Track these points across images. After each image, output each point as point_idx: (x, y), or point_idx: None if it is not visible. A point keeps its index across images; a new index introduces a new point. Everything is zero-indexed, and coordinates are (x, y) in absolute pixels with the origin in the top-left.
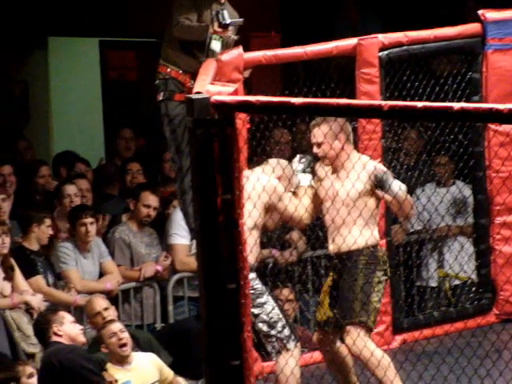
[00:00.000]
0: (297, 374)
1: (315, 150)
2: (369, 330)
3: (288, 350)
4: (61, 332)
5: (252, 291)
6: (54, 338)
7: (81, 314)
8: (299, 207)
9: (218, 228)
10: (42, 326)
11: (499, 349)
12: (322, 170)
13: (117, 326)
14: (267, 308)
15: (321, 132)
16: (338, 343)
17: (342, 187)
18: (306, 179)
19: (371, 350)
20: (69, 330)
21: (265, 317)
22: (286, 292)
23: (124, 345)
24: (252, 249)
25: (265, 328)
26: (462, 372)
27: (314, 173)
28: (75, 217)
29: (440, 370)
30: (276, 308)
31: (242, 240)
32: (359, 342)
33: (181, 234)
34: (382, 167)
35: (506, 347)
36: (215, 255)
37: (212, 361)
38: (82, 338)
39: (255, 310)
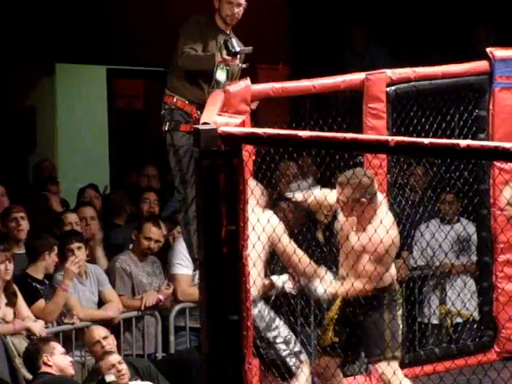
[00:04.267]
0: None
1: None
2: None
3: (301, 361)
4: (50, 362)
5: (267, 319)
6: (44, 369)
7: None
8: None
9: (222, 259)
10: (32, 355)
11: None
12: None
13: (115, 358)
14: (282, 330)
15: (344, 194)
16: (340, 374)
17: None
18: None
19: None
20: (58, 361)
21: (282, 337)
22: None
23: (122, 376)
24: (255, 280)
25: (284, 346)
26: None
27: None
28: (63, 242)
29: None
30: (287, 328)
31: (245, 272)
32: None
33: (183, 264)
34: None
35: None
36: (218, 286)
37: None
38: (70, 370)
39: (272, 333)
